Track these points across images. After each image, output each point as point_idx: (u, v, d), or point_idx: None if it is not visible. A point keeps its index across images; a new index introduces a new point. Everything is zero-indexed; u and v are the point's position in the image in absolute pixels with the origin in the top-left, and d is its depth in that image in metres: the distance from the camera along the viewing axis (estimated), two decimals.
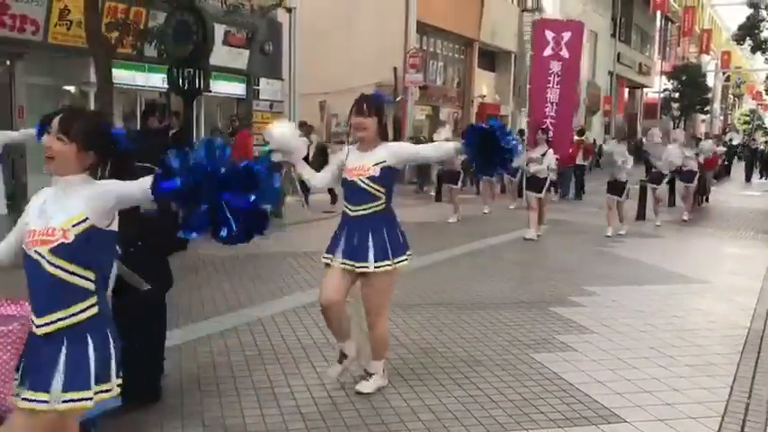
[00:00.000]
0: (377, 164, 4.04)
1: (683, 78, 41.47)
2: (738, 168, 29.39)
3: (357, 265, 4.03)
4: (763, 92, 57.50)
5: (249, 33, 16.17)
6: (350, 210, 4.12)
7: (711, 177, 17.68)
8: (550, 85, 14.06)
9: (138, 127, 11.14)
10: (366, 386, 4.25)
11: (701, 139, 17.37)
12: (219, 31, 13.51)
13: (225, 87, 15.93)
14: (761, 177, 28.97)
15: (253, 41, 16.33)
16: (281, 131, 4.04)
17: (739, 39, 32.80)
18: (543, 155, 10.60)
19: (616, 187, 11.16)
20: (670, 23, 49.58)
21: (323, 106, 20.60)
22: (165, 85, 12.48)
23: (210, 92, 11.25)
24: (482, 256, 9.10)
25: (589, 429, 3.92)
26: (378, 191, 4.05)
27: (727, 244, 11.36)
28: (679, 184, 14.18)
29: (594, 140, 29.17)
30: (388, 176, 4.09)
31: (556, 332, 5.72)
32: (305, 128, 16.90)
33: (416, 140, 17.84)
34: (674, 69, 44.08)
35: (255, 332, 5.43)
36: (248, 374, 4.53)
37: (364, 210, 4.06)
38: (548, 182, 10.77)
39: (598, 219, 11.49)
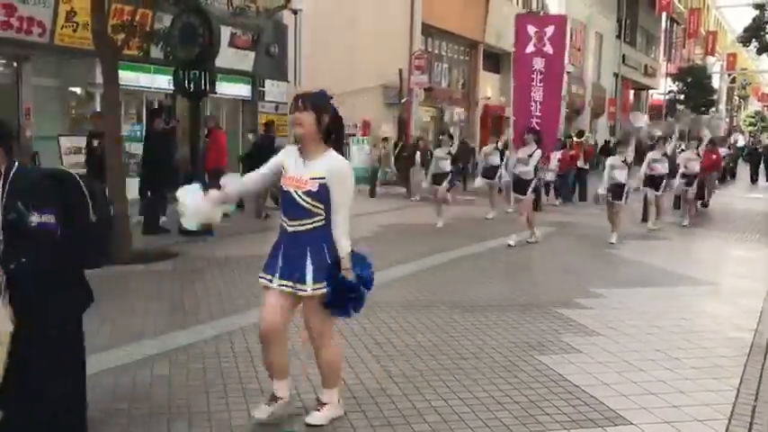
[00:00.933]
0: (315, 178, 3.58)
1: (689, 80, 41.42)
2: (744, 170, 29.26)
3: (296, 287, 3.63)
4: None
5: (255, 35, 16.24)
6: (287, 224, 3.68)
7: (714, 180, 17.18)
8: (534, 83, 13.54)
9: (144, 129, 11.21)
10: (317, 418, 3.80)
11: (700, 141, 16.79)
12: (225, 32, 13.57)
13: (230, 89, 16.01)
14: (767, 180, 28.62)
15: (258, 43, 16.40)
16: (194, 206, 3.75)
17: (745, 41, 32.72)
18: (530, 155, 10.17)
19: (615, 190, 10.68)
20: (675, 25, 49.50)
21: None
22: (171, 87, 12.55)
23: (216, 93, 11.28)
24: (483, 259, 9.10)
25: (595, 431, 3.92)
26: (316, 206, 3.60)
27: (733, 246, 11.33)
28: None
29: (596, 141, 29.10)
30: (328, 193, 3.61)
31: (561, 334, 5.72)
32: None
33: (419, 139, 17.60)
34: (679, 71, 44.03)
35: None
36: (255, 376, 4.54)
37: (302, 225, 3.62)
38: (533, 183, 10.31)
39: (602, 220, 11.28)
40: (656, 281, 8.12)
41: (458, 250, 9.53)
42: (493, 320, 6.06)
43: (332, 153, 3.67)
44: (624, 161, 10.68)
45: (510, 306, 6.62)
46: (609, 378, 4.73)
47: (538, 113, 13.17)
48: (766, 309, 6.88)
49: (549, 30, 13.50)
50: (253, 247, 9.36)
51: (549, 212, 14.91)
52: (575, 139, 19.48)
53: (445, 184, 12.13)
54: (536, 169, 10.29)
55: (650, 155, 12.25)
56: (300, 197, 3.59)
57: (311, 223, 3.62)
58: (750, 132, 58.30)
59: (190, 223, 3.81)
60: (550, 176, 16.22)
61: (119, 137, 8.67)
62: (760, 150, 29.99)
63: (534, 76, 13.45)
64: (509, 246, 9.86)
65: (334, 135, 3.70)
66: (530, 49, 13.49)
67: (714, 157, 15.95)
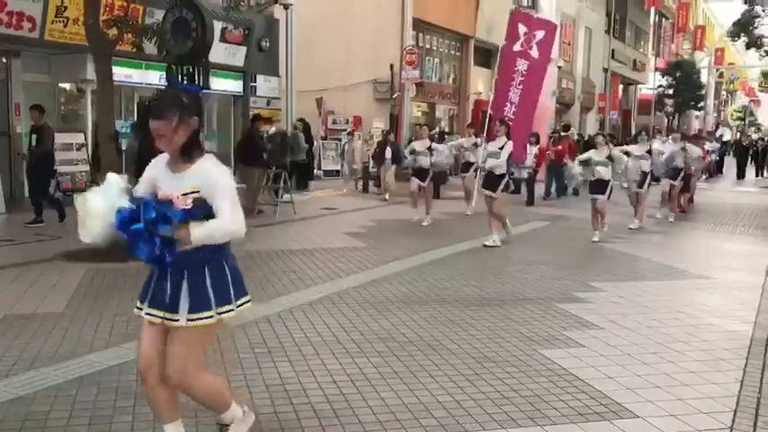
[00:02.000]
0: (187, 194, 2.97)
1: (678, 75, 41.59)
2: (731, 165, 29.35)
3: (167, 317, 3.09)
4: (756, 88, 57.78)
5: (246, 30, 16.13)
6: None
7: (696, 177, 16.25)
8: (514, 83, 12.91)
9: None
10: None
11: (687, 136, 16.12)
12: (216, 27, 13.45)
13: (222, 84, 15.89)
14: (757, 175, 28.57)
15: (250, 38, 16.28)
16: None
17: (734, 35, 32.94)
18: (501, 148, 9.60)
19: (598, 186, 10.29)
20: (664, 20, 49.69)
21: (320, 103, 20.57)
22: (163, 82, 12.45)
23: (210, 88, 11.19)
24: (480, 254, 9.09)
25: (602, 425, 3.92)
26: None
27: (727, 240, 11.40)
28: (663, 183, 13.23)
29: (581, 135, 29.14)
30: (207, 207, 3.00)
31: (563, 328, 5.72)
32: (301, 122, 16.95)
33: (387, 134, 16.88)
34: (668, 66, 44.20)
35: (263, 330, 5.41)
36: (259, 371, 4.52)
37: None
38: (505, 179, 9.67)
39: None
40: (653, 275, 8.15)
41: (454, 246, 9.53)
42: (493, 315, 6.06)
43: (205, 159, 3.08)
44: (608, 157, 10.31)
45: (510, 301, 6.62)
46: (613, 371, 4.74)
47: (511, 116, 12.43)
48: (764, 302, 6.92)
49: (539, 34, 13.05)
50: (245, 241, 9.32)
51: (542, 206, 14.94)
52: (561, 133, 18.88)
53: (428, 180, 11.69)
54: (508, 163, 9.84)
55: (634, 150, 11.68)
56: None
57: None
58: (737, 127, 58.75)
59: (91, 231, 2.98)
60: (526, 174, 15.81)
61: (112, 134, 8.59)
62: (746, 144, 30.05)
63: (515, 77, 12.90)
64: (486, 246, 9.40)
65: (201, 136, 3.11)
66: (517, 47, 12.97)
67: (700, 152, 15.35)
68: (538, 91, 13.32)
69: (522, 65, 12.90)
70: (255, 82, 16.99)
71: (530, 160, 15.59)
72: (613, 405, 4.17)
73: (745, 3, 31.53)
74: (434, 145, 11.98)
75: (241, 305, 3.20)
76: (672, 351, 5.22)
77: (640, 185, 11.66)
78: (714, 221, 13.52)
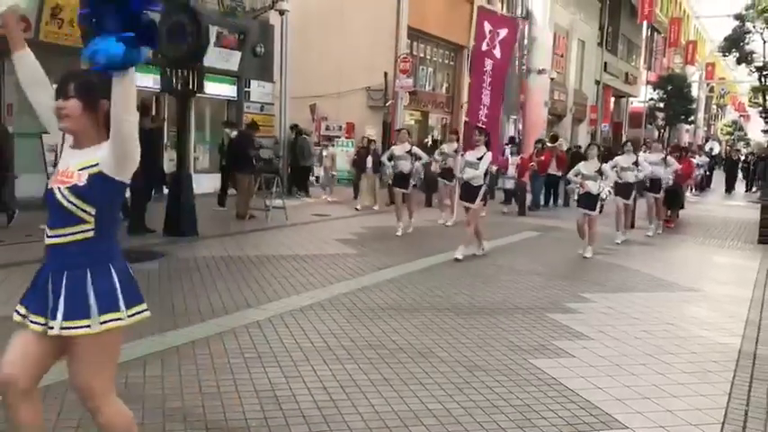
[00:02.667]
0: (84, 168, 2.64)
1: (669, 88, 41.88)
2: (719, 178, 29.44)
3: (44, 322, 2.70)
4: (746, 103, 58.27)
5: (241, 35, 16.15)
6: (47, 235, 2.73)
7: (685, 191, 16.20)
8: (485, 85, 12.36)
9: None
10: None
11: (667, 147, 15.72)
12: (211, 32, 13.46)
13: (216, 89, 15.91)
14: (747, 190, 28.40)
15: (245, 43, 16.31)
16: None
17: (725, 50, 33.22)
18: (480, 158, 9.17)
19: (587, 200, 9.98)
20: (656, 34, 50.05)
21: (313, 109, 20.60)
22: (156, 86, 12.43)
23: (204, 93, 11.18)
24: (470, 263, 9.09)
25: None
26: (82, 210, 2.63)
27: (717, 253, 11.47)
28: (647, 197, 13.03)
29: (570, 147, 29.30)
30: (103, 190, 2.65)
31: (553, 338, 5.74)
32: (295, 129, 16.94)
33: (369, 141, 16.67)
34: (659, 79, 44.50)
35: (253, 335, 5.40)
36: (249, 377, 4.50)
37: (62, 238, 2.67)
38: (483, 190, 9.28)
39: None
40: (643, 286, 8.19)
41: (445, 254, 9.53)
42: (484, 324, 6.07)
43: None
44: (598, 171, 9.96)
45: (500, 309, 6.63)
46: (602, 382, 4.76)
47: (483, 119, 12.03)
48: (752, 315, 6.97)
49: (502, 32, 12.52)
50: (236, 248, 9.33)
51: (533, 217, 14.99)
52: (547, 143, 18.43)
53: (411, 186, 11.40)
54: (487, 174, 9.45)
55: (620, 162, 11.51)
56: (63, 195, 2.63)
57: (74, 235, 2.65)
58: (727, 141, 59.18)
59: None
60: (510, 184, 15.67)
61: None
62: (735, 159, 30.07)
63: (485, 78, 12.39)
64: (456, 260, 8.97)
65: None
66: (484, 47, 12.47)
67: (683, 166, 14.49)
68: (501, 93, 12.73)
69: (488, 65, 12.45)
70: (249, 87, 17.02)
71: (511, 171, 15.49)
72: (603, 416, 4.19)
73: (737, 19, 31.83)
74: (415, 149, 11.58)
75: (133, 315, 2.74)
76: (661, 362, 5.25)
77: (627, 197, 11.51)
78: (703, 234, 13.61)
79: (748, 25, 32.00)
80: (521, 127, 27.77)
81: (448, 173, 13.01)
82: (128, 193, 10.98)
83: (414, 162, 11.35)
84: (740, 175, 29.59)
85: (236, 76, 16.54)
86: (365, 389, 4.39)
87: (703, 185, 25.73)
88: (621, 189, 11.40)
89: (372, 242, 10.31)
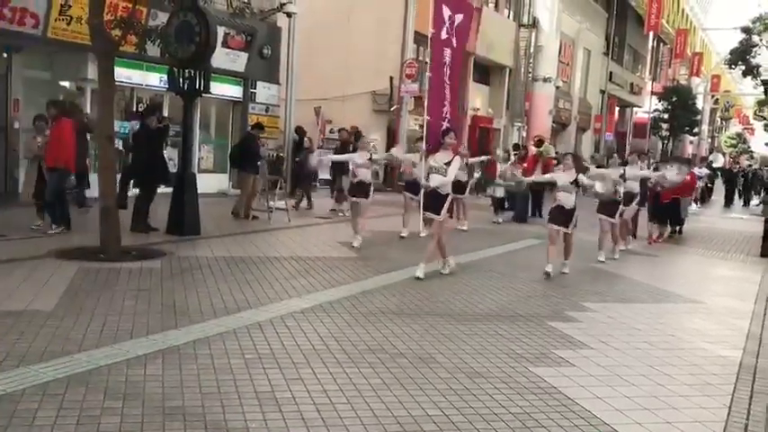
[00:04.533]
0: None
1: (674, 100, 41.90)
2: (721, 191, 28.91)
3: None
4: (751, 116, 58.23)
5: (249, 37, 16.18)
6: None
7: (687, 204, 15.14)
8: (445, 79, 11.04)
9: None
10: None
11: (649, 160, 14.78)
12: (219, 33, 13.49)
13: (222, 89, 15.93)
14: (744, 204, 27.41)
15: (252, 45, 16.34)
16: None
17: (731, 63, 33.22)
18: (448, 163, 8.11)
19: (561, 215, 8.95)
20: (662, 45, 50.11)
21: (318, 112, 20.60)
22: (163, 85, 12.46)
23: (210, 93, 11.21)
24: (469, 269, 9.07)
25: None
26: None
27: (718, 265, 11.45)
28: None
29: (557, 153, 28.98)
30: None
31: (554, 347, 5.74)
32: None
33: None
34: (664, 90, 44.53)
35: (254, 336, 5.40)
36: (249, 378, 4.50)
37: None
38: (449, 199, 8.36)
39: (586, 234, 10.86)
40: (644, 297, 8.18)
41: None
42: (484, 331, 6.07)
43: None
44: (574, 182, 8.88)
45: (500, 317, 6.63)
46: (602, 392, 4.75)
47: (447, 117, 10.83)
48: (753, 328, 6.96)
49: (458, 17, 11.33)
50: (239, 248, 9.34)
51: (533, 225, 14.96)
52: (533, 148, 17.00)
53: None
54: (468, 183, 8.86)
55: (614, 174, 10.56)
56: None
57: None
58: (730, 154, 59.07)
59: None
60: (500, 192, 14.84)
61: (110, 134, 8.58)
62: (736, 171, 29.26)
63: (445, 71, 11.07)
64: (417, 278, 7.94)
65: None
66: (443, 35, 11.18)
67: (688, 178, 14.14)
68: (456, 88, 11.38)
69: (447, 56, 11.25)
70: (255, 88, 17.04)
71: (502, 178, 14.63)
72: (602, 426, 4.18)
73: (743, 32, 31.83)
74: (376, 156, 10.60)
75: None
76: (661, 374, 5.24)
77: (611, 214, 10.43)
78: (705, 247, 13.59)
79: (755, 38, 31.99)
80: (524, 134, 27.75)
81: (414, 186, 11.21)
82: (132, 191, 11.05)
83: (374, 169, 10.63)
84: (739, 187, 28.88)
85: (243, 77, 16.57)
86: (365, 393, 4.39)
87: (704, 198, 25.22)
88: (606, 205, 10.45)
89: (375, 246, 10.31)
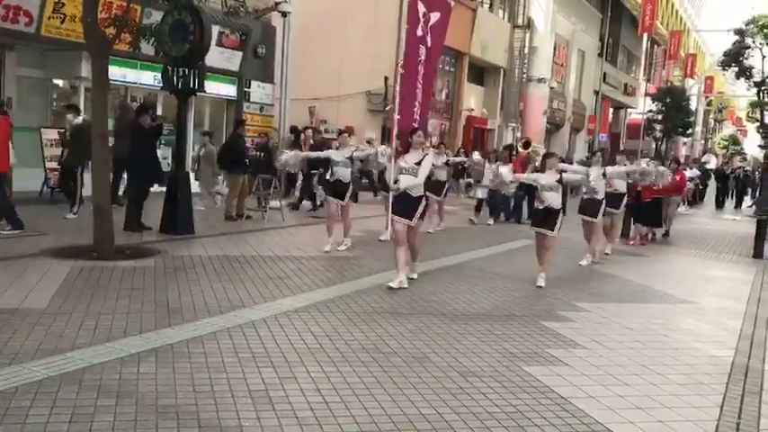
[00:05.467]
0: None
1: (667, 101, 42.03)
2: (713, 193, 28.71)
3: None
4: (744, 118, 58.53)
5: (243, 36, 16.17)
6: None
7: (675, 205, 14.87)
8: (419, 77, 10.47)
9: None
10: None
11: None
12: (213, 32, 13.46)
13: (216, 88, 15.92)
14: (735, 206, 26.86)
15: (246, 44, 16.32)
16: None
17: (725, 64, 33.35)
18: (419, 163, 7.52)
19: (547, 216, 8.39)
20: (656, 46, 50.25)
21: (312, 111, 20.59)
22: (157, 84, 12.43)
23: (204, 92, 11.18)
24: (465, 269, 9.08)
25: None
26: None
27: (712, 266, 11.50)
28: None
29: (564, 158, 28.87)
30: None
31: (546, 346, 5.75)
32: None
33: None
34: (658, 91, 44.67)
35: (248, 335, 5.40)
36: (242, 377, 4.50)
37: None
38: (423, 202, 7.66)
39: (580, 235, 10.66)
40: (638, 297, 8.22)
41: (439, 260, 9.55)
42: (478, 330, 6.08)
43: None
44: (559, 180, 8.35)
45: (494, 316, 6.64)
46: (595, 391, 4.77)
47: (417, 118, 10.30)
48: (746, 329, 6.99)
49: (434, 16, 10.84)
50: (232, 248, 9.33)
51: (527, 225, 14.98)
52: (521, 148, 16.70)
53: (348, 197, 9.57)
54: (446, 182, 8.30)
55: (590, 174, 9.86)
56: None
57: None
58: (723, 155, 59.37)
59: None
60: (481, 194, 14.62)
61: (105, 133, 8.55)
62: (728, 173, 28.65)
63: (419, 69, 10.50)
64: (391, 288, 7.36)
65: None
66: (419, 32, 10.65)
67: (678, 178, 13.77)
68: (431, 89, 10.97)
69: (422, 54, 10.69)
70: (250, 87, 17.03)
71: (487, 179, 13.75)
72: (595, 425, 4.20)
73: (737, 34, 31.98)
74: (356, 154, 9.78)
75: None
76: (654, 373, 5.26)
77: (593, 215, 10.08)
78: (697, 247, 13.64)
79: (748, 40, 32.15)
80: (519, 135, 27.82)
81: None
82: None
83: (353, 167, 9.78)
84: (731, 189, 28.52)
85: (237, 76, 16.56)
86: (359, 392, 4.39)
87: (696, 199, 24.93)
88: (587, 205, 10.16)
89: (369, 245, 10.30)
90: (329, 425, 3.87)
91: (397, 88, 10.82)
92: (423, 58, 10.66)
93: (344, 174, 9.52)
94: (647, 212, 12.96)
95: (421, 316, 6.41)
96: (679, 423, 4.32)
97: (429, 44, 10.76)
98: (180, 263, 8.06)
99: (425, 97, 10.67)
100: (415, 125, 9.57)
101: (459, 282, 8.18)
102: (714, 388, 5.04)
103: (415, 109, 10.39)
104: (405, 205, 7.59)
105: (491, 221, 14.62)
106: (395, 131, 10.34)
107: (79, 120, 11.09)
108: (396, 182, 7.66)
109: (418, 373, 4.84)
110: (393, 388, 4.50)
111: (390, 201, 8.38)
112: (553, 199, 8.32)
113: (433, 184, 11.97)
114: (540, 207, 8.44)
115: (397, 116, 10.35)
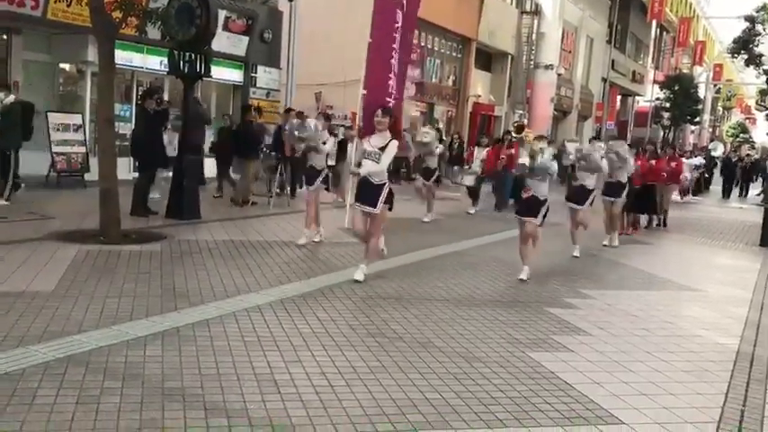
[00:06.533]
0: None
1: (676, 88, 41.75)
2: (719, 181, 28.22)
3: None
4: (753, 106, 58.10)
5: (249, 20, 16.11)
6: None
7: (670, 194, 14.36)
8: (395, 46, 9.10)
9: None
10: None
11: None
12: (220, 16, 13.44)
13: (222, 73, 15.88)
14: (740, 194, 26.17)
15: (252, 29, 16.27)
16: None
17: (734, 51, 33.05)
18: (383, 148, 6.91)
19: (529, 205, 7.84)
20: (665, 33, 49.89)
21: (318, 97, 20.53)
22: (163, 68, 12.41)
23: (211, 77, 11.16)
24: (470, 256, 9.06)
25: (588, 429, 3.95)
26: None
27: (718, 254, 11.47)
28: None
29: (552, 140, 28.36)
30: None
31: (552, 332, 5.76)
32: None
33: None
34: (666, 79, 44.38)
35: (254, 319, 5.41)
36: (248, 360, 4.52)
37: None
38: (387, 189, 7.00)
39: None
40: (643, 284, 8.21)
41: (447, 246, 9.55)
42: (483, 316, 6.09)
43: None
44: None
45: (499, 303, 6.65)
46: (600, 377, 4.77)
47: (394, 93, 8.86)
48: (751, 316, 6.98)
49: None
50: (238, 233, 9.34)
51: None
52: (513, 135, 15.94)
53: (318, 183, 8.91)
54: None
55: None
56: None
57: None
58: (731, 143, 59.08)
59: None
60: (469, 181, 13.93)
61: (111, 117, 8.55)
62: (735, 161, 27.62)
63: (396, 36, 9.11)
64: (356, 281, 6.89)
65: None
66: None
67: (674, 165, 13.57)
68: (409, 58, 9.38)
69: (400, 19, 9.45)
70: (256, 73, 16.98)
71: (477, 165, 13.80)
72: (599, 410, 4.20)
73: (747, 21, 31.67)
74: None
75: None
76: (659, 360, 5.26)
77: (581, 202, 9.65)
78: (703, 235, 13.59)
79: (758, 27, 31.82)
80: (526, 122, 27.71)
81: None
82: (132, 175, 11.05)
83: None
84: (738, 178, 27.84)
85: (243, 61, 16.51)
86: (364, 376, 4.40)
87: (701, 188, 24.47)
88: (575, 192, 9.72)
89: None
90: (334, 408, 3.89)
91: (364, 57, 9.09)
92: (400, 23, 9.30)
93: (320, 160, 8.81)
94: (638, 199, 12.13)
95: (426, 302, 6.41)
96: (683, 409, 4.32)
97: (405, 7, 9.43)
98: (186, 247, 8.07)
99: (403, 70, 9.12)
100: (392, 102, 8.28)
101: (465, 268, 8.18)
102: (719, 375, 5.04)
103: (390, 83, 8.86)
104: (366, 192, 7.00)
105: (473, 210, 13.77)
106: (359, 109, 8.88)
107: (11, 99, 10.37)
108: (358, 165, 7.09)
109: (423, 357, 4.85)
110: (398, 372, 4.51)
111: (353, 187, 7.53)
112: (539, 188, 7.74)
113: (423, 171, 12.12)
114: (525, 196, 7.86)
115: (363, 91, 8.92)
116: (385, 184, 7.01)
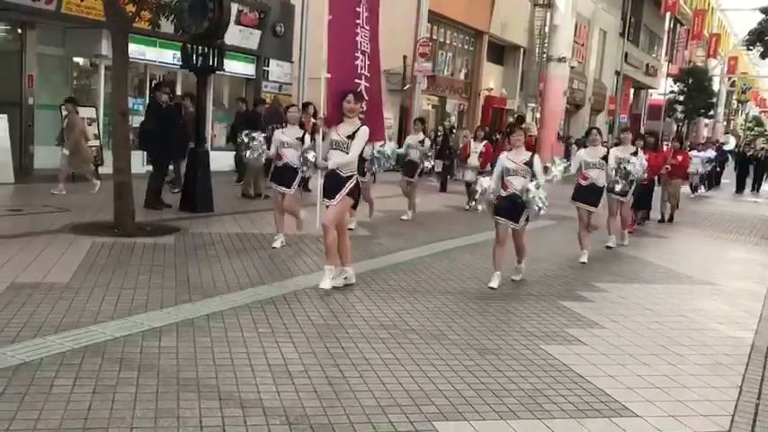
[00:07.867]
0: None
1: (690, 81, 41.41)
2: (732, 175, 27.61)
3: None
4: None
5: (262, 14, 16.12)
6: None
7: (678, 189, 13.76)
8: (360, 22, 7.93)
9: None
10: None
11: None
12: (232, 10, 13.44)
13: (235, 67, 15.92)
14: (752, 190, 25.00)
15: (265, 22, 16.28)
16: None
17: (749, 44, 32.72)
18: (351, 136, 6.19)
19: (510, 206, 6.90)
20: (679, 26, 49.49)
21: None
22: (176, 62, 12.45)
23: (224, 70, 11.18)
24: (482, 249, 8.97)
25: (601, 422, 3.94)
26: None
27: (732, 248, 11.39)
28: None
29: (562, 135, 27.80)
30: None
31: (565, 325, 5.75)
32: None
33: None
34: (680, 72, 44.02)
35: (267, 310, 5.44)
36: (262, 351, 4.54)
37: None
38: (353, 182, 6.29)
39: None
40: (657, 278, 8.17)
41: (458, 239, 9.55)
42: (496, 309, 6.09)
43: None
44: (528, 163, 6.87)
45: (513, 295, 6.65)
46: (613, 370, 4.76)
47: (365, 73, 7.61)
48: (766, 311, 6.94)
49: None
50: (251, 226, 9.38)
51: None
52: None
53: (295, 185, 8.08)
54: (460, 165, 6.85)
55: (585, 156, 8.98)
56: None
57: None
58: (745, 137, 58.59)
59: None
60: (469, 176, 12.95)
61: (125, 110, 8.60)
62: (749, 154, 26.17)
63: (360, 10, 7.98)
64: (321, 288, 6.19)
65: None
66: None
67: (680, 158, 13.15)
68: (376, 37, 8.02)
69: None
70: (268, 66, 17.02)
71: (474, 159, 13.19)
72: (613, 403, 4.20)
73: (762, 13, 31.33)
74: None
75: None
76: (673, 353, 5.25)
77: (594, 203, 8.84)
78: (717, 229, 13.50)
79: None
80: (538, 115, 27.59)
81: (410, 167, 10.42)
82: (146, 168, 11.10)
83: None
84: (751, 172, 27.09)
85: (256, 54, 16.54)
86: (377, 367, 4.42)
87: (713, 182, 23.94)
88: (584, 192, 8.85)
89: (387, 225, 10.32)
90: (347, 399, 3.91)
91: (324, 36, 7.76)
92: None
93: (293, 157, 7.76)
94: (638, 195, 10.74)
95: (439, 295, 6.42)
96: (698, 403, 4.31)
97: None
98: (200, 240, 8.12)
99: (375, 48, 7.94)
100: (365, 84, 7.38)
101: (478, 261, 8.17)
102: (733, 369, 5.02)
103: (358, 62, 7.67)
104: (331, 185, 6.34)
105: (469, 206, 12.79)
106: (322, 96, 7.75)
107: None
108: (325, 159, 6.34)
109: (436, 350, 4.86)
110: (411, 364, 4.53)
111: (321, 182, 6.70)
112: (521, 185, 6.79)
113: (406, 165, 11.32)
114: (504, 194, 6.89)
115: (327, 75, 7.61)
116: (352, 177, 6.28)
